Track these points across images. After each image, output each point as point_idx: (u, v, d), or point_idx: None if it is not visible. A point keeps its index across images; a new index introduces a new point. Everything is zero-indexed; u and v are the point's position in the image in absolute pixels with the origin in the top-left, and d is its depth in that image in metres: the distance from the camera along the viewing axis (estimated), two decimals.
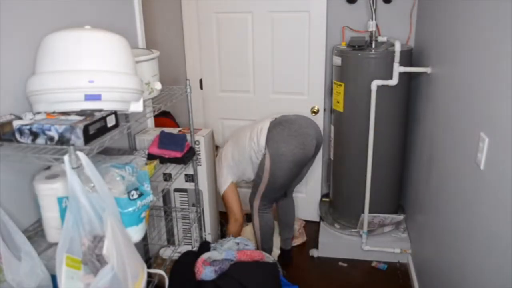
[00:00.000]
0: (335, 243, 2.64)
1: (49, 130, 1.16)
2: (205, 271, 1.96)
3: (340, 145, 2.56)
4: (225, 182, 2.46)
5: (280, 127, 2.30)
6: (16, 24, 1.36)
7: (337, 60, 2.41)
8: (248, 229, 2.69)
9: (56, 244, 1.20)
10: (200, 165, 2.27)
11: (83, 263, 1.19)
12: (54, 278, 1.26)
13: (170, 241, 2.42)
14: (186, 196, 2.32)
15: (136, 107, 1.44)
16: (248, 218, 2.65)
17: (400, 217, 2.61)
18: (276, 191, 2.39)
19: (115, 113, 1.34)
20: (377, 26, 2.45)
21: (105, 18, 1.86)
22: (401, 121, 2.49)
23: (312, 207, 3.01)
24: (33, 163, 1.21)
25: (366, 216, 2.48)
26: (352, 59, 2.35)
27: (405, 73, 2.31)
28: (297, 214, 3.06)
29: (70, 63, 1.26)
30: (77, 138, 1.16)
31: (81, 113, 1.27)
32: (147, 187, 1.41)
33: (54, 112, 1.27)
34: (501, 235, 1.18)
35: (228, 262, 2.03)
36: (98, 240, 1.21)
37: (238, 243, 2.21)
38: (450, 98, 1.75)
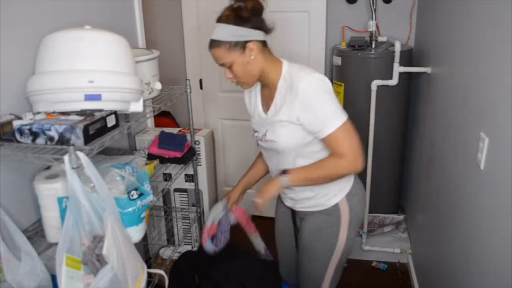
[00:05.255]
0: None
1: (49, 130, 1.16)
2: (207, 243, 1.93)
3: None
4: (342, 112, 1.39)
5: None
6: (16, 24, 1.36)
7: (337, 60, 2.41)
8: None
9: (56, 244, 1.20)
10: (200, 165, 2.27)
11: (83, 263, 1.19)
12: (54, 278, 1.26)
13: (170, 241, 2.42)
14: (186, 196, 2.33)
15: (136, 107, 1.44)
16: None
17: (400, 217, 2.61)
18: (349, 254, 1.65)
19: (115, 113, 1.34)
20: (377, 26, 2.45)
21: (105, 18, 1.86)
22: (401, 121, 2.49)
23: None
24: (33, 163, 1.20)
25: (366, 216, 2.48)
26: (352, 59, 2.35)
27: (405, 73, 2.30)
28: None
29: (70, 63, 1.26)
30: (77, 138, 1.16)
31: (81, 113, 1.27)
32: (147, 187, 1.41)
33: (54, 112, 1.27)
34: (501, 235, 1.18)
35: (227, 225, 1.96)
36: (98, 240, 1.21)
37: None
38: (450, 98, 1.75)
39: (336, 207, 1.50)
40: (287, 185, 1.43)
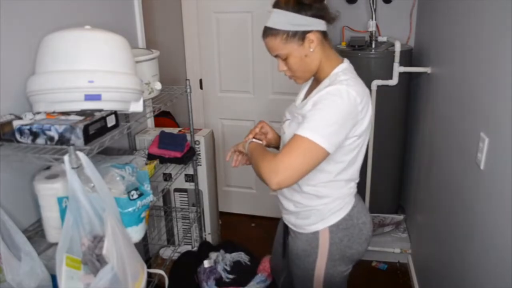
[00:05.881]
0: None
1: (49, 130, 1.16)
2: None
3: None
4: (330, 139, 1.17)
5: None
6: (16, 24, 1.36)
7: None
8: None
9: (56, 244, 1.20)
10: (200, 165, 2.27)
11: (83, 263, 1.19)
12: (54, 278, 1.26)
13: (170, 241, 2.42)
14: (186, 196, 2.32)
15: (136, 107, 1.44)
16: None
17: (400, 217, 2.61)
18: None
19: (115, 113, 1.34)
20: (377, 26, 2.45)
21: (105, 18, 1.86)
22: (401, 121, 2.49)
23: None
24: (33, 163, 1.21)
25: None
26: (352, 59, 2.33)
27: (405, 73, 2.31)
28: None
29: (70, 63, 1.26)
30: (77, 138, 1.16)
31: (81, 113, 1.27)
32: (147, 187, 1.41)
33: (54, 112, 1.27)
34: (501, 235, 1.18)
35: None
36: (98, 240, 1.21)
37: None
38: (450, 98, 1.75)
39: (315, 235, 1.35)
40: (246, 149, 1.36)
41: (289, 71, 1.30)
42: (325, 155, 1.17)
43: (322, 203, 1.33)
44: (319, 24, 1.24)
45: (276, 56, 1.28)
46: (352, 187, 1.38)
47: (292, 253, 1.43)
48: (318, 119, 1.16)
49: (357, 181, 1.40)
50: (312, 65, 1.28)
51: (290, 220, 1.42)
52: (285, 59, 1.27)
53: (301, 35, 1.23)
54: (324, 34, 1.27)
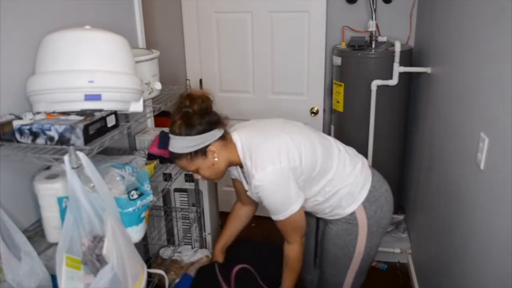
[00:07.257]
0: None
1: (49, 130, 1.16)
2: None
3: None
4: (297, 199, 1.40)
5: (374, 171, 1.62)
6: (16, 24, 1.36)
7: (337, 60, 2.41)
8: None
9: (56, 244, 1.20)
10: None
11: (83, 263, 1.19)
12: (54, 278, 1.26)
13: (170, 241, 2.42)
14: (186, 196, 2.32)
15: (136, 107, 1.44)
16: None
17: (400, 217, 2.61)
18: (370, 261, 1.70)
19: (115, 113, 1.34)
20: (377, 26, 2.45)
21: (105, 18, 1.86)
22: (401, 121, 2.49)
23: None
24: (33, 163, 1.20)
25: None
26: (352, 59, 2.35)
27: (405, 73, 2.31)
28: None
29: (70, 63, 1.26)
30: (77, 138, 1.16)
31: (81, 113, 1.27)
32: (147, 187, 1.41)
33: (54, 112, 1.27)
34: (501, 235, 1.18)
35: None
36: (98, 240, 1.21)
37: None
38: (450, 98, 1.75)
39: (353, 215, 1.50)
40: None
41: (204, 178, 1.45)
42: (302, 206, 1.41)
43: (345, 185, 1.47)
44: (214, 135, 1.35)
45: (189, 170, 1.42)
46: (359, 165, 1.52)
47: (330, 234, 1.56)
48: (274, 203, 1.37)
49: (357, 160, 1.54)
50: (221, 167, 1.42)
51: (328, 215, 1.55)
52: (196, 171, 1.41)
53: (202, 151, 1.35)
54: (221, 137, 1.38)
